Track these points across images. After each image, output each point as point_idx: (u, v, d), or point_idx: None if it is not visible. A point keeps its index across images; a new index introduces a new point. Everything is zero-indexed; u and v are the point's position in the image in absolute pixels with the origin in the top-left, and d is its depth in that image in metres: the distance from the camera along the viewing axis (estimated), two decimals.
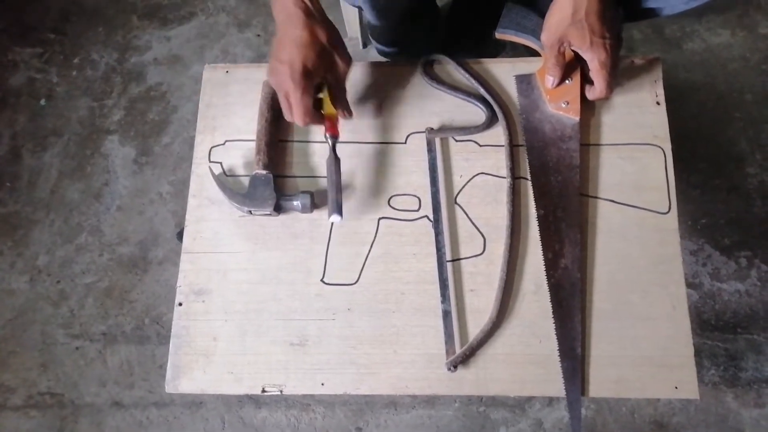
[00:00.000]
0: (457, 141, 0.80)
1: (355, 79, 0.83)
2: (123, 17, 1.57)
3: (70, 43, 1.54)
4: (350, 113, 0.77)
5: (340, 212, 0.73)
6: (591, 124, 0.79)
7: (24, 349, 1.28)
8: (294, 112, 0.71)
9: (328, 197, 0.74)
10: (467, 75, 0.82)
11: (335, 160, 0.78)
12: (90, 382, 1.25)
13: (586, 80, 0.77)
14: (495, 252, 0.74)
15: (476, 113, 0.81)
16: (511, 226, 0.74)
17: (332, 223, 0.77)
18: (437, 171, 0.78)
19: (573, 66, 0.77)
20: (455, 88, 0.82)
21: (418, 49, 0.90)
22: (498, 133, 0.79)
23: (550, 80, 0.77)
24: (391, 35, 1.05)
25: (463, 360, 0.70)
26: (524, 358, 0.70)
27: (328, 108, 0.79)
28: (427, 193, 0.77)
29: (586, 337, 0.71)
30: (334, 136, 0.78)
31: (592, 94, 0.76)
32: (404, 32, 1.04)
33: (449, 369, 0.69)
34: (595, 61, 0.71)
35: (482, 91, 0.80)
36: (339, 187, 0.76)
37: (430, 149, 0.79)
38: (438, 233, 0.75)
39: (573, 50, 0.74)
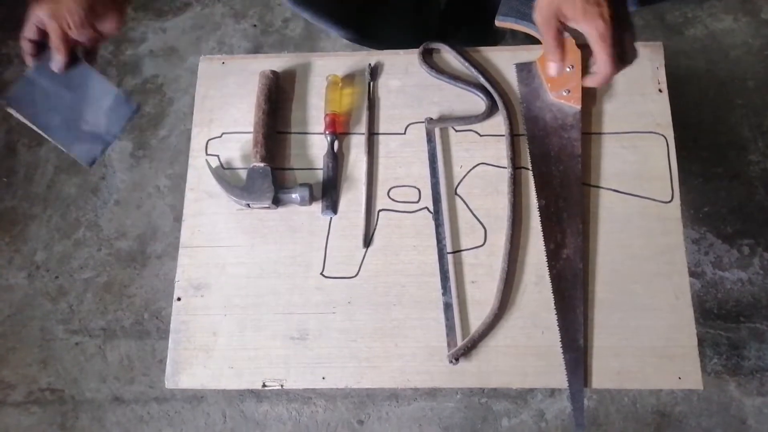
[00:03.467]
0: (456, 131, 0.79)
1: (352, 68, 0.82)
2: None
3: None
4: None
5: (335, 210, 0.76)
6: (592, 113, 0.78)
7: (23, 345, 1.28)
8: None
9: (322, 194, 0.76)
10: (467, 64, 0.80)
11: (333, 157, 0.77)
12: (90, 377, 1.25)
13: (585, 68, 0.75)
14: (496, 243, 0.74)
15: (476, 102, 0.80)
16: (512, 216, 0.73)
17: (331, 217, 0.76)
18: (437, 162, 0.77)
19: (574, 53, 0.76)
20: (455, 77, 0.81)
21: (386, 39, 0.85)
22: (498, 123, 0.78)
23: (553, 67, 0.73)
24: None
25: (464, 352, 0.69)
26: (526, 349, 0.70)
27: (330, 105, 0.78)
28: (427, 184, 0.76)
29: (589, 328, 0.70)
30: (333, 133, 0.77)
31: (593, 79, 0.71)
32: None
33: (451, 361, 0.69)
34: (593, 32, 0.64)
35: (482, 80, 0.79)
36: (336, 185, 0.76)
37: (430, 140, 0.78)
38: (438, 225, 0.74)
39: (569, 25, 0.67)
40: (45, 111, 0.72)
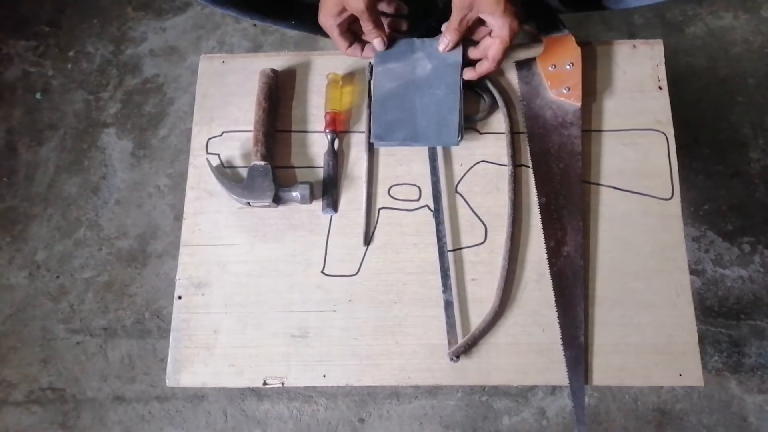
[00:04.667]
0: None
1: (352, 67, 0.82)
2: (118, 8, 1.55)
3: (64, 35, 1.53)
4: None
5: (335, 208, 0.76)
6: (592, 110, 0.78)
7: (24, 344, 1.28)
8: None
9: (323, 192, 0.76)
10: None
11: (333, 155, 0.77)
12: (91, 376, 1.25)
13: (469, 62, 0.75)
14: (496, 241, 0.74)
15: (476, 101, 0.80)
16: (512, 214, 0.73)
17: (331, 215, 0.76)
18: (437, 160, 0.77)
19: (574, 51, 0.76)
20: None
21: None
22: (498, 121, 0.78)
23: (445, 42, 0.74)
24: None
25: (465, 350, 0.69)
26: (527, 347, 0.70)
27: (330, 103, 0.78)
28: (427, 182, 0.76)
29: (589, 325, 0.70)
30: (334, 132, 0.77)
31: (481, 67, 0.73)
32: None
33: (452, 359, 0.69)
34: (505, 29, 0.69)
35: (484, 78, 0.79)
36: (336, 183, 0.76)
37: None
38: (439, 222, 0.74)
39: (483, 18, 0.71)
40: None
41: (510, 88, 0.80)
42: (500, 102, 0.78)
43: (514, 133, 0.77)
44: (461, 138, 0.74)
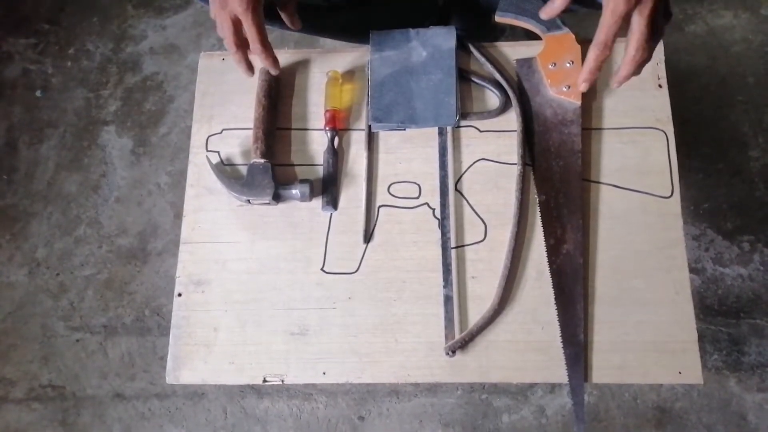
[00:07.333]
0: (459, 127, 0.79)
1: (352, 64, 0.82)
2: (118, 6, 1.55)
3: (64, 33, 1.53)
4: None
5: (335, 206, 0.76)
6: (592, 108, 0.78)
7: (24, 342, 1.28)
8: (251, 40, 0.70)
9: (323, 190, 0.76)
10: (483, 59, 0.80)
11: (333, 153, 0.77)
12: (91, 374, 1.25)
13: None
14: (496, 239, 0.74)
15: (479, 98, 0.80)
16: (518, 213, 0.73)
17: (331, 213, 0.76)
18: (447, 155, 0.77)
19: (574, 48, 0.76)
20: (464, 71, 0.80)
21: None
22: (500, 118, 0.78)
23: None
24: None
25: (462, 345, 0.69)
26: (526, 344, 0.70)
27: (330, 101, 0.78)
28: (427, 180, 0.76)
29: (589, 323, 0.70)
30: (334, 129, 0.77)
31: (625, 69, 0.67)
32: None
33: (447, 354, 0.69)
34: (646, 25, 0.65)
35: (497, 75, 0.78)
36: (336, 181, 0.76)
37: (441, 133, 0.78)
38: (444, 217, 0.74)
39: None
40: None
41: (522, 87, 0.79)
42: (514, 100, 0.77)
43: (524, 132, 0.76)
44: (459, 119, 0.76)
